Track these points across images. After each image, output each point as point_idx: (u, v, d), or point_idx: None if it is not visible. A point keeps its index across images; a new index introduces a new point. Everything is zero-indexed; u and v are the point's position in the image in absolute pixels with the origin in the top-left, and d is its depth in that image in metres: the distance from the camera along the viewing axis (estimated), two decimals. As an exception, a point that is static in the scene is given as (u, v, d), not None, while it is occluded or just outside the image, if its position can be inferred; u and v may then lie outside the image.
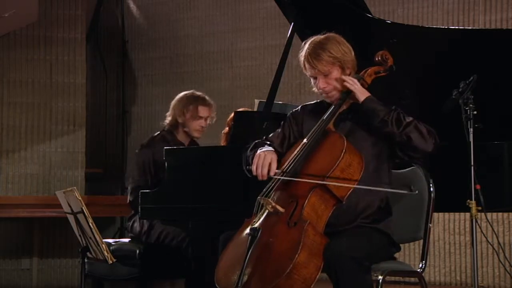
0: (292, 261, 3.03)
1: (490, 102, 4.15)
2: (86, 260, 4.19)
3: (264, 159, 3.34)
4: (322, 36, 3.47)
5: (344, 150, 3.25)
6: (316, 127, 3.38)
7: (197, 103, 5.01)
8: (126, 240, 5.09)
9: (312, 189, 3.23)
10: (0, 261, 7.29)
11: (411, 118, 3.36)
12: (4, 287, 7.23)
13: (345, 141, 3.28)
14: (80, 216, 3.83)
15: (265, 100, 4.60)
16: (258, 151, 3.40)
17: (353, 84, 3.39)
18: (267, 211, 3.25)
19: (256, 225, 3.19)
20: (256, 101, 5.03)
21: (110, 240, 5.02)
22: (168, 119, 5.07)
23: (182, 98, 5.07)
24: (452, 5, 6.69)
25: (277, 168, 3.34)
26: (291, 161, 3.31)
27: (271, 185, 3.31)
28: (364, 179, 3.29)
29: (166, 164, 4.44)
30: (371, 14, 4.72)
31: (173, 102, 5.09)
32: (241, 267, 3.04)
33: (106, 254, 3.80)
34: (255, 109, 4.97)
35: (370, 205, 3.39)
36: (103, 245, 3.80)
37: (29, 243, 7.35)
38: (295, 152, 3.35)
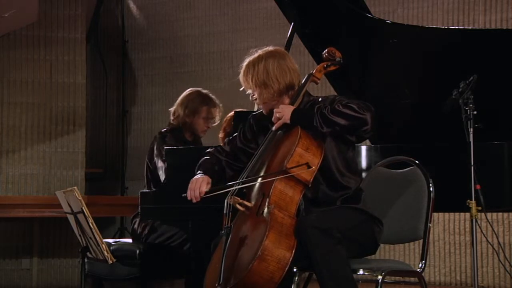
0: (262, 244, 3.11)
1: (490, 102, 4.15)
2: (86, 260, 4.18)
3: (195, 184, 3.51)
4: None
5: (299, 136, 3.32)
6: (269, 132, 3.49)
7: (210, 105, 4.99)
8: (126, 240, 5.10)
9: (276, 179, 3.29)
10: (0, 261, 7.29)
11: (338, 105, 3.32)
12: (4, 287, 7.22)
13: (299, 128, 3.35)
14: (80, 216, 3.82)
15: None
16: (195, 177, 3.55)
17: (275, 117, 3.45)
18: (238, 210, 3.34)
19: (228, 224, 3.27)
20: (257, 101, 5.01)
21: (110, 240, 5.02)
22: (179, 113, 4.97)
23: (193, 96, 5.02)
24: (452, 5, 6.69)
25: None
26: (245, 170, 3.43)
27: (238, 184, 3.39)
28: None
29: (166, 164, 4.44)
30: (371, 14, 4.72)
31: (182, 99, 5.00)
32: (220, 267, 3.13)
33: (106, 254, 3.79)
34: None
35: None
36: (103, 245, 3.80)
37: (29, 243, 7.35)
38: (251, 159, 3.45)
